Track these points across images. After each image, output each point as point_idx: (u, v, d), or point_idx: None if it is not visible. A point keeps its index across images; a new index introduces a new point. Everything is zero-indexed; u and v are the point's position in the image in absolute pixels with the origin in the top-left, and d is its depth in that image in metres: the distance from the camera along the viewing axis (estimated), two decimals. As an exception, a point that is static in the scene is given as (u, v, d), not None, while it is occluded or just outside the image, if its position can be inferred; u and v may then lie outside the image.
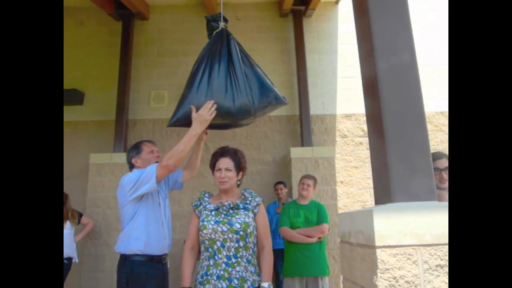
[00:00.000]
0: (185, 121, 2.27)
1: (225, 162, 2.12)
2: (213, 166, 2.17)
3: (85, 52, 5.87)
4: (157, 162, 2.43)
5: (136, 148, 2.55)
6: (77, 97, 5.60)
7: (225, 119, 2.28)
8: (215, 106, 2.18)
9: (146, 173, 2.26)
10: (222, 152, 2.17)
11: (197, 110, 2.20)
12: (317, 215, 3.47)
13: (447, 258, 1.43)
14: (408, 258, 1.43)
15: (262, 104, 2.29)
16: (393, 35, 1.79)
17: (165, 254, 2.42)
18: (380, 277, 1.42)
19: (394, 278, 1.42)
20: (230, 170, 2.11)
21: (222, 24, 2.42)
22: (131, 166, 2.53)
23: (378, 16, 1.81)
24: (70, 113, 5.59)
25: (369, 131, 1.88)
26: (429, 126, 5.44)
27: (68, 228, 4.25)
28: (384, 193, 1.68)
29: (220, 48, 2.32)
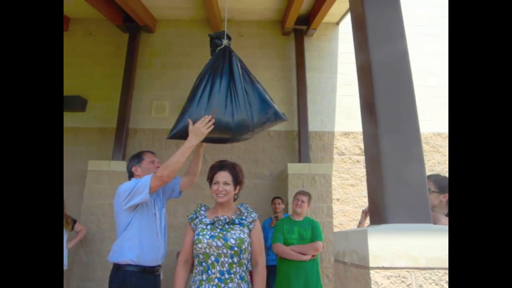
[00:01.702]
0: (184, 134, 2.29)
1: (223, 176, 2.13)
2: (210, 179, 2.18)
3: (91, 61, 5.95)
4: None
5: (138, 157, 2.57)
6: (80, 104, 5.64)
7: (224, 134, 2.31)
8: (212, 120, 2.21)
9: (140, 183, 2.27)
10: (220, 166, 2.18)
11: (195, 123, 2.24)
12: (311, 232, 3.46)
13: (442, 283, 1.43)
14: (402, 281, 1.43)
15: (261, 120, 2.32)
16: (386, 26, 1.85)
17: (158, 266, 2.41)
18: (373, 298, 1.42)
19: (387, 300, 1.42)
20: (228, 184, 2.12)
21: (225, 42, 2.46)
22: (131, 175, 2.54)
23: (373, 8, 1.88)
24: (72, 119, 5.64)
25: (365, 149, 1.91)
26: (426, 147, 5.49)
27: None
28: (379, 213, 1.69)
29: (222, 64, 2.36)
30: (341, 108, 5.78)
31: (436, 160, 5.56)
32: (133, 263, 2.25)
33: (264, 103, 2.34)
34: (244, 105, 2.26)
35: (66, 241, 4.34)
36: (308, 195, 3.68)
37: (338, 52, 6.03)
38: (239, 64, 2.39)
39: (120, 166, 4.99)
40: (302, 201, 3.58)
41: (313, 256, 3.38)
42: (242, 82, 2.32)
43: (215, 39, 2.49)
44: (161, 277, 2.48)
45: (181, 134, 2.32)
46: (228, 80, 2.31)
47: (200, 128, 2.20)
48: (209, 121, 2.20)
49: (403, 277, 1.44)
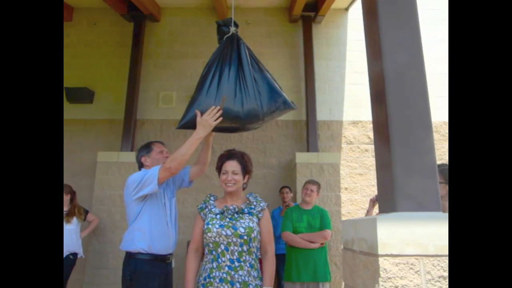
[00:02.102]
0: (193, 124, 2.29)
1: (232, 165, 2.13)
2: (219, 168, 2.19)
3: (97, 52, 5.96)
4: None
5: (147, 148, 2.59)
6: (88, 96, 5.67)
7: (234, 123, 2.30)
8: (220, 111, 2.20)
9: (148, 174, 2.29)
10: (229, 155, 2.19)
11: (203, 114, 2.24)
12: (320, 220, 3.48)
13: (451, 269, 1.43)
14: (411, 268, 1.45)
15: (270, 109, 2.31)
16: (400, 36, 1.82)
17: (170, 254, 2.44)
18: (382, 285, 1.43)
19: (396, 287, 1.43)
20: (237, 173, 2.12)
21: (233, 29, 2.44)
22: (140, 165, 2.56)
23: (387, 17, 1.84)
24: (80, 111, 5.69)
25: (375, 137, 1.90)
26: (436, 136, 5.44)
27: (74, 224, 4.30)
28: (388, 201, 1.69)
29: (230, 52, 2.34)
30: (349, 96, 5.74)
31: (446, 148, 5.51)
32: (144, 252, 2.30)
33: (273, 92, 2.32)
34: (253, 94, 2.24)
35: (80, 231, 4.41)
36: (317, 184, 3.69)
37: (347, 39, 5.96)
38: (247, 52, 2.37)
39: (129, 157, 5.04)
40: (311, 190, 3.60)
41: (322, 244, 3.41)
42: (251, 70, 2.31)
43: (223, 26, 2.47)
44: (173, 265, 2.52)
45: (190, 124, 2.32)
46: (237, 68, 2.30)
47: (208, 120, 2.19)
48: (217, 112, 2.20)
49: (412, 264, 1.45)
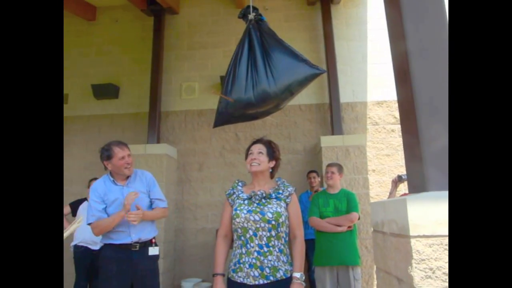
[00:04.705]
0: (223, 121, 2.35)
1: (258, 147, 2.17)
2: (246, 154, 2.22)
3: (120, 48, 6.08)
4: (126, 168, 2.59)
5: (107, 152, 2.61)
6: (113, 91, 5.81)
7: (249, 110, 2.31)
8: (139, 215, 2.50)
9: (88, 214, 2.59)
10: (256, 140, 2.23)
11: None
12: (346, 204, 3.44)
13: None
14: (445, 249, 1.40)
15: (284, 84, 2.29)
16: (424, 13, 1.75)
17: (136, 242, 2.58)
18: (416, 267, 1.40)
19: (431, 269, 1.40)
20: (262, 153, 2.14)
21: (250, 16, 2.43)
22: (104, 166, 2.66)
23: None
24: (106, 107, 5.84)
25: (401, 117, 1.85)
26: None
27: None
28: (418, 181, 1.65)
29: (242, 42, 2.35)
30: (372, 76, 5.61)
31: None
32: (107, 243, 2.61)
33: (291, 65, 2.29)
34: (264, 77, 2.24)
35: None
36: (337, 166, 3.62)
37: (367, 18, 5.80)
38: (258, 34, 2.36)
39: (156, 149, 5.15)
40: (332, 172, 3.55)
41: (349, 227, 3.37)
42: (261, 52, 2.29)
43: (242, 18, 2.47)
44: (153, 252, 2.65)
45: (220, 122, 2.37)
46: (248, 54, 2.30)
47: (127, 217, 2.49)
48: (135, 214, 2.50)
49: (446, 244, 1.41)
